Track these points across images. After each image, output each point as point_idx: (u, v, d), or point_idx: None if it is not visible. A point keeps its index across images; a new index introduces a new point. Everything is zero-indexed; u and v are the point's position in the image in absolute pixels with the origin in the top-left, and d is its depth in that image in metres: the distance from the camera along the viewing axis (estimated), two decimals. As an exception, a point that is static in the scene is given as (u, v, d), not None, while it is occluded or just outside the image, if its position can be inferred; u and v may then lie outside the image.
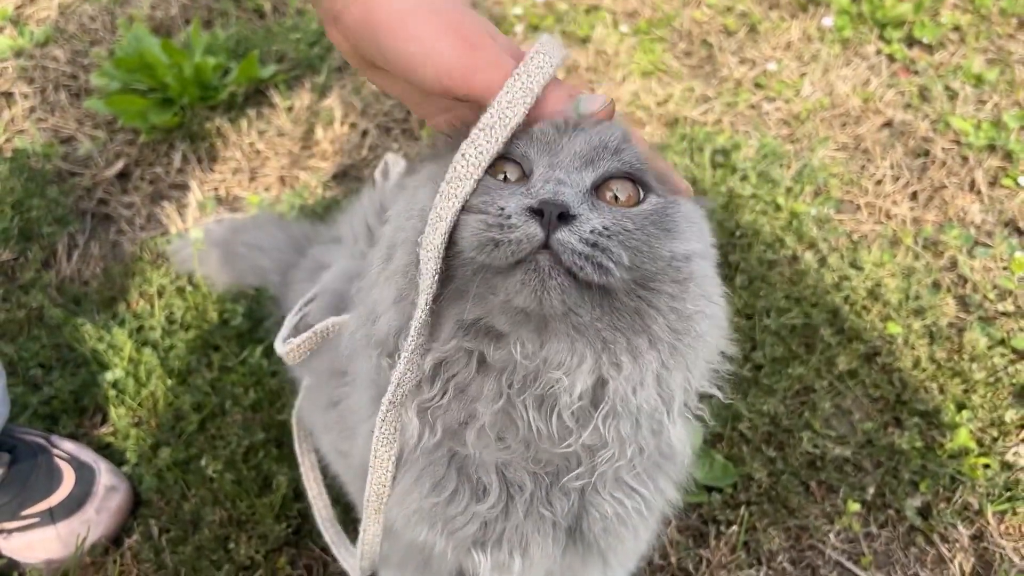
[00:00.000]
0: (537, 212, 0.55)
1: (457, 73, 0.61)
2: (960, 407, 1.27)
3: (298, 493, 1.19)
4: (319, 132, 1.77)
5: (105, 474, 1.24)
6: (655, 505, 0.74)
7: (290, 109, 1.82)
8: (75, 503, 1.20)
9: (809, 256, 1.50)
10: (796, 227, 1.55)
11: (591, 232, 0.56)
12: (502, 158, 0.62)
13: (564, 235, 0.55)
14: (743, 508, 1.18)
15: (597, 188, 0.61)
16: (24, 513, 1.19)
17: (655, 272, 0.58)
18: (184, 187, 1.69)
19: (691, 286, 0.60)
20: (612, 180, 0.61)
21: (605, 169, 0.61)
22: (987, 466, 1.22)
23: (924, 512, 1.19)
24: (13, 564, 1.19)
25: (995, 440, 1.24)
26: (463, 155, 0.59)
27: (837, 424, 1.29)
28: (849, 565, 1.16)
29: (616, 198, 0.61)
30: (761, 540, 1.16)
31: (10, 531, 1.19)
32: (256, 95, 1.85)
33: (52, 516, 1.19)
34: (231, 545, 1.17)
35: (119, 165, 1.72)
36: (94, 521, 1.20)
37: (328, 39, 0.87)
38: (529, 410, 0.62)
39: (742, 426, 1.26)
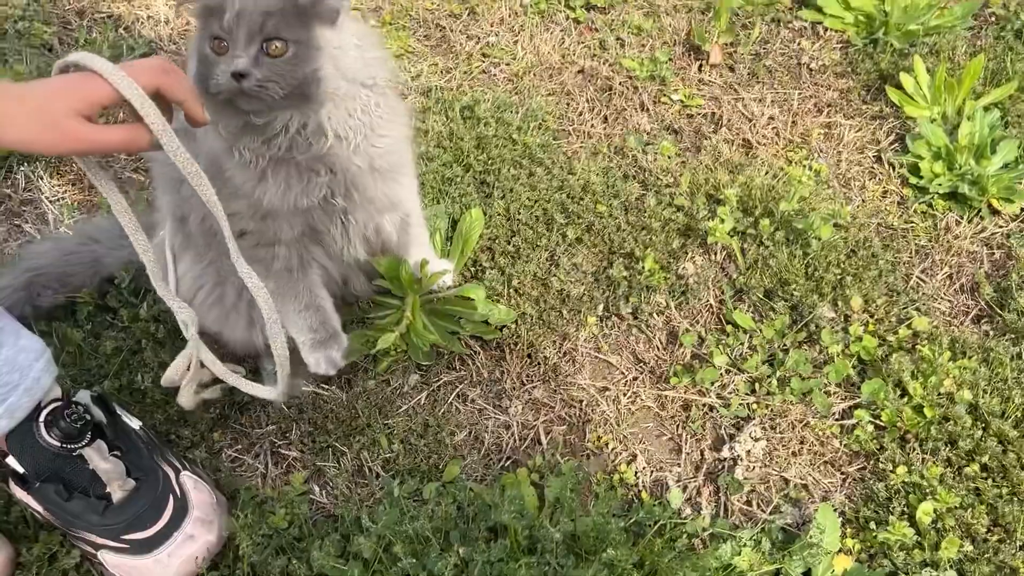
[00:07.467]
0: (233, 76, 1.16)
1: None
2: (646, 246, 1.94)
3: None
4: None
5: (192, 523, 1.30)
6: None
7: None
8: (155, 542, 1.29)
9: (540, 171, 2.12)
10: (528, 153, 2.17)
11: (256, 83, 1.16)
12: (216, 38, 1.17)
13: (245, 84, 1.16)
14: (524, 332, 1.79)
15: (265, 45, 1.16)
16: (124, 538, 1.29)
17: (294, 83, 1.20)
18: (34, 202, 2.01)
19: (315, 81, 1.23)
20: (268, 42, 1.17)
21: (261, 39, 1.16)
22: (666, 278, 1.90)
23: (635, 313, 1.85)
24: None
25: (669, 263, 1.93)
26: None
27: (574, 273, 1.92)
28: (595, 353, 1.80)
29: (275, 50, 1.17)
30: (538, 350, 1.77)
31: (108, 548, 1.30)
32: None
33: (137, 548, 1.29)
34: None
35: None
36: (164, 564, 1.28)
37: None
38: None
39: (515, 283, 1.85)
